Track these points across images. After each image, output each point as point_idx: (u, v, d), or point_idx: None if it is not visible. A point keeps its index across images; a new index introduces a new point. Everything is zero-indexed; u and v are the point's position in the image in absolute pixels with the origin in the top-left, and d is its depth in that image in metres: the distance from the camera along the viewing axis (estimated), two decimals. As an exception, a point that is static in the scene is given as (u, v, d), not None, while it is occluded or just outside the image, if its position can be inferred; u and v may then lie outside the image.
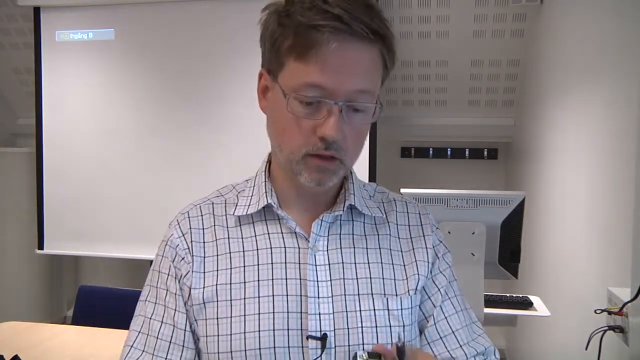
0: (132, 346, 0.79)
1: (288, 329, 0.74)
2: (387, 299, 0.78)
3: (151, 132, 3.04)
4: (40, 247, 3.19)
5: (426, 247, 0.84)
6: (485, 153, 3.43)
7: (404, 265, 0.82)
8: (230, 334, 0.74)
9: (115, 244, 3.08)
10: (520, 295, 1.88)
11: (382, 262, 0.80)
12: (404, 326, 0.78)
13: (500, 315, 1.79)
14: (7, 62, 3.55)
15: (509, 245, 1.69)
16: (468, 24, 2.82)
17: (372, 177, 2.87)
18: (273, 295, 0.75)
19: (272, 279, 0.76)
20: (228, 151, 2.94)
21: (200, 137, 2.99)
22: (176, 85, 3.00)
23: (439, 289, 0.84)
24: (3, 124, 3.84)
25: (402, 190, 1.69)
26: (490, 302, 1.80)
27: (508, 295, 1.88)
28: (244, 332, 0.73)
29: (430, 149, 3.48)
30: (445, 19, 2.82)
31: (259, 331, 0.73)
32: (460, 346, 0.82)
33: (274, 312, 0.74)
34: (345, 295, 0.76)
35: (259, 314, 0.74)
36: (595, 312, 1.32)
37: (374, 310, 0.77)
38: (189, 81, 2.99)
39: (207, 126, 2.98)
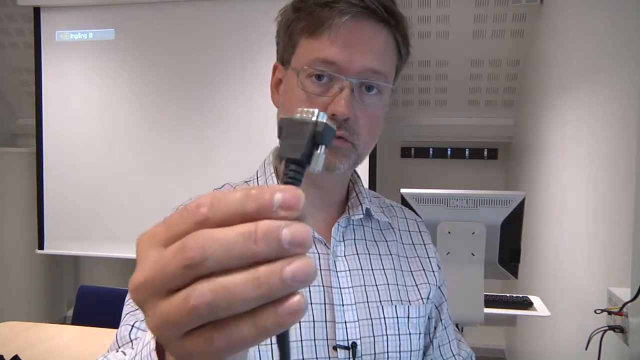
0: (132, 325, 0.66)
1: (315, 339, 0.70)
2: (407, 306, 0.77)
3: (151, 132, 3.04)
4: (40, 247, 3.20)
5: (429, 257, 0.85)
6: (485, 153, 3.43)
7: (411, 272, 0.82)
8: (258, 345, 0.68)
9: (115, 244, 3.08)
10: (520, 295, 1.88)
11: (394, 269, 0.80)
12: (419, 334, 0.78)
13: (500, 315, 1.79)
14: (7, 62, 3.55)
15: (509, 245, 1.69)
16: (468, 24, 2.82)
17: (372, 177, 2.87)
18: None
19: None
20: (228, 151, 2.94)
21: (201, 136, 2.99)
22: (176, 85, 3.00)
23: (445, 300, 0.87)
24: (3, 124, 3.84)
25: (402, 191, 1.68)
26: (490, 302, 1.80)
27: (508, 295, 1.88)
28: (271, 344, 0.68)
29: (430, 149, 3.49)
30: (445, 19, 2.82)
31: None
32: (454, 355, 0.87)
33: (299, 322, 0.68)
34: (368, 302, 0.75)
35: None
36: (595, 312, 1.32)
37: (397, 317, 0.76)
38: (188, 81, 2.99)
39: (208, 126, 2.98)
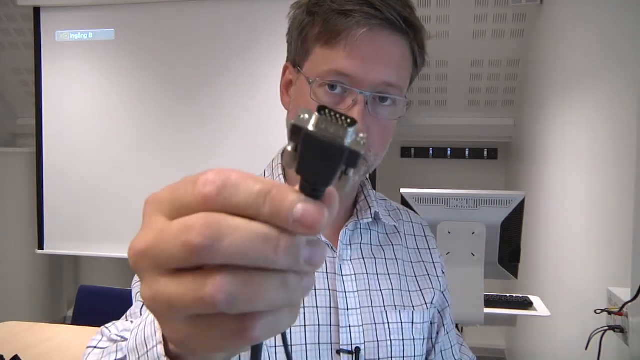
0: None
1: (319, 343, 0.70)
2: (411, 311, 0.77)
3: (151, 132, 3.04)
4: (40, 247, 3.19)
5: (433, 262, 0.85)
6: (485, 153, 3.43)
7: (416, 277, 0.82)
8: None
9: (115, 244, 3.07)
10: (520, 295, 1.88)
11: (399, 274, 0.80)
12: (424, 339, 0.78)
13: (500, 315, 1.79)
14: (7, 62, 3.55)
15: (509, 245, 1.69)
16: (468, 24, 2.82)
17: (372, 177, 2.87)
18: (304, 307, 0.70)
19: None
20: (228, 151, 2.94)
21: (201, 137, 2.99)
22: (176, 86, 3.00)
23: (448, 305, 0.86)
24: (3, 124, 3.84)
25: (402, 191, 1.68)
26: (490, 302, 1.80)
27: (508, 295, 1.88)
28: (275, 347, 0.68)
29: (430, 149, 3.49)
30: (445, 19, 2.82)
31: (291, 345, 0.68)
32: None
33: (305, 325, 0.69)
34: (372, 307, 0.74)
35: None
36: (595, 312, 1.32)
37: (401, 322, 0.76)
38: (189, 81, 2.98)
39: (208, 126, 2.98)
